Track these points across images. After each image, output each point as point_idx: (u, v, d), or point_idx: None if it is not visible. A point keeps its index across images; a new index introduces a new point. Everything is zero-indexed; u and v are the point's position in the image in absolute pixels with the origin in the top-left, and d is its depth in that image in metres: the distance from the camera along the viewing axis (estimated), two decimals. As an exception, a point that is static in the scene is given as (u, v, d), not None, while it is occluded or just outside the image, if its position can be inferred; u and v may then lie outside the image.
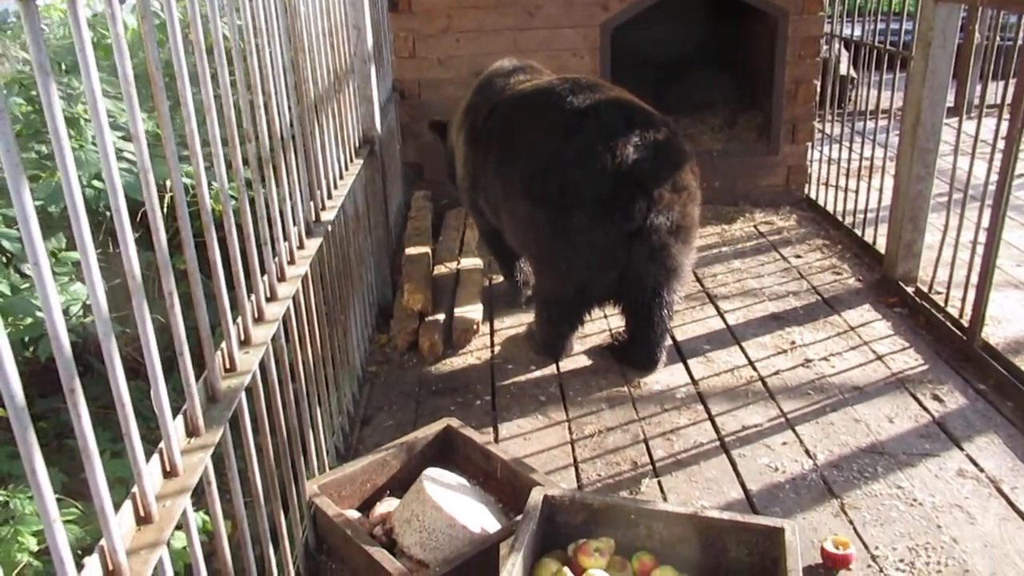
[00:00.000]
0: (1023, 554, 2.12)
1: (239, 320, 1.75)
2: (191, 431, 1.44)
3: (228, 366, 1.65)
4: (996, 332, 3.23)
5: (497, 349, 3.35)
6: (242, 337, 1.75)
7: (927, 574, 2.07)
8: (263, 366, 1.82)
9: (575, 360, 3.23)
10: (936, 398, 2.84)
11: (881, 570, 2.09)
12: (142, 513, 1.24)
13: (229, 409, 1.54)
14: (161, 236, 1.31)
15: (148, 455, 1.29)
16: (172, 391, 1.49)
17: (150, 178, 1.28)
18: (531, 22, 4.53)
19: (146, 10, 1.31)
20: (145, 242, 1.40)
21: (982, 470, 2.46)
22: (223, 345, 1.64)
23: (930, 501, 2.34)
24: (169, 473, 1.34)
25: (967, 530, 2.22)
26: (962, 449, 2.56)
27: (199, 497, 1.56)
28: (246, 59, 1.93)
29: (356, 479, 2.30)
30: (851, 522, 2.27)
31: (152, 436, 1.87)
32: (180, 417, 1.42)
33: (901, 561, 2.12)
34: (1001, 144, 2.81)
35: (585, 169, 2.75)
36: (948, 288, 3.26)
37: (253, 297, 1.84)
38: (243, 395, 1.64)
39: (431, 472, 2.19)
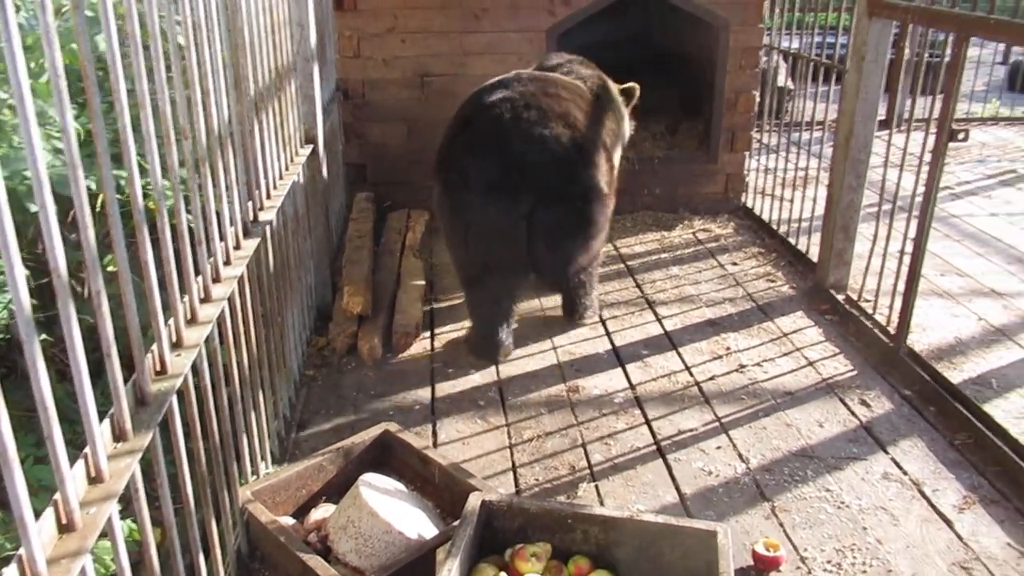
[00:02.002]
0: (942, 554, 2.20)
1: (171, 321, 1.71)
2: (118, 435, 1.40)
3: (159, 368, 1.61)
4: (921, 339, 3.35)
5: (437, 353, 3.34)
6: (174, 339, 1.71)
7: (852, 573, 2.14)
8: (196, 369, 1.78)
9: (515, 365, 3.24)
10: (864, 403, 2.93)
11: (809, 571, 2.15)
12: (64, 521, 1.20)
13: (159, 413, 1.50)
14: (90, 234, 1.27)
15: (74, 460, 1.25)
16: (100, 395, 1.44)
17: (79, 174, 1.24)
18: (478, 25, 4.53)
19: (79, 1, 1.28)
20: (76, 243, 1.36)
21: (906, 473, 2.54)
22: (154, 347, 1.60)
23: (856, 503, 2.41)
24: (95, 479, 1.30)
25: (891, 531, 2.29)
26: (887, 453, 2.65)
27: (127, 504, 1.52)
28: (184, 55, 1.89)
29: (291, 485, 2.27)
30: (781, 525, 2.33)
31: (79, 441, 1.82)
32: (107, 421, 1.38)
33: (828, 562, 2.18)
34: (928, 157, 2.92)
35: (476, 157, 3.08)
36: (876, 296, 3.37)
37: (186, 298, 1.80)
38: (174, 398, 1.60)
39: (368, 477, 2.17)
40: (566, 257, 3.22)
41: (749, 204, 4.95)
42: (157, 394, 1.54)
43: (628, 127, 3.76)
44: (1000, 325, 3.52)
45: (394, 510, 2.07)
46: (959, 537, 2.27)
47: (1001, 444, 2.56)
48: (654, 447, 2.70)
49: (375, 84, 4.62)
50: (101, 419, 1.33)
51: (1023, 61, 8.00)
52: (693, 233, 4.67)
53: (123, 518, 1.60)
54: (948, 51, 2.92)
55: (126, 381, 1.42)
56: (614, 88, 3.63)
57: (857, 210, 3.62)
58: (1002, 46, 8.01)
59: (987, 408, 2.78)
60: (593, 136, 3.23)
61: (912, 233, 3.02)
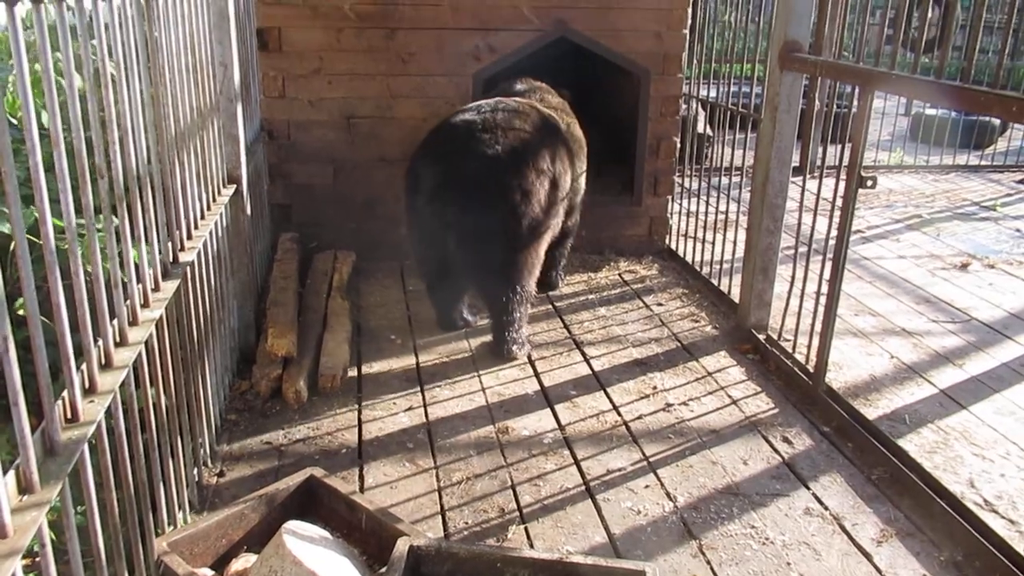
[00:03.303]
0: (863, 587, 2.26)
1: (84, 367, 1.64)
2: (24, 488, 1.33)
3: (70, 416, 1.54)
4: (838, 377, 3.47)
5: (365, 395, 3.29)
6: (87, 385, 1.64)
7: (778, 611, 2.17)
8: (110, 415, 1.71)
9: (443, 406, 3.22)
10: (785, 440, 3.00)
11: (736, 609, 2.17)
12: (-38, 580, 1.12)
13: (69, 463, 1.44)
14: (-3, 277, 1.22)
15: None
16: (6, 443, 1.37)
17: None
18: (404, 68, 4.56)
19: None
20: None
21: (826, 508, 2.60)
22: (64, 394, 1.53)
23: (780, 539, 2.45)
24: (-3, 535, 1.23)
25: (813, 566, 2.34)
26: (809, 488, 2.71)
27: (32, 560, 1.44)
28: (101, 92, 1.84)
29: (210, 535, 2.18)
30: (709, 562, 2.35)
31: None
32: (12, 473, 1.31)
33: (755, 599, 2.21)
34: (840, 203, 3.05)
35: (426, 166, 3.49)
36: (795, 336, 3.48)
37: (101, 342, 1.74)
38: (86, 447, 1.53)
39: (291, 525, 2.10)
40: (485, 269, 3.52)
41: (673, 246, 5.07)
42: (67, 443, 1.47)
43: (584, 161, 4.07)
44: (911, 363, 3.67)
45: (319, 558, 2.01)
46: (878, 570, 2.32)
47: (915, 478, 2.65)
48: (583, 487, 2.70)
49: (301, 125, 4.59)
50: (6, 471, 1.26)
51: (924, 112, 8.47)
52: (619, 274, 4.75)
53: (28, 574, 1.51)
54: (855, 102, 3.08)
55: (34, 430, 1.36)
56: (575, 121, 4.05)
57: (775, 252, 3.74)
58: (904, 99, 8.47)
59: (901, 443, 2.89)
60: (538, 163, 3.50)
61: (827, 275, 3.14)
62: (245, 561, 2.14)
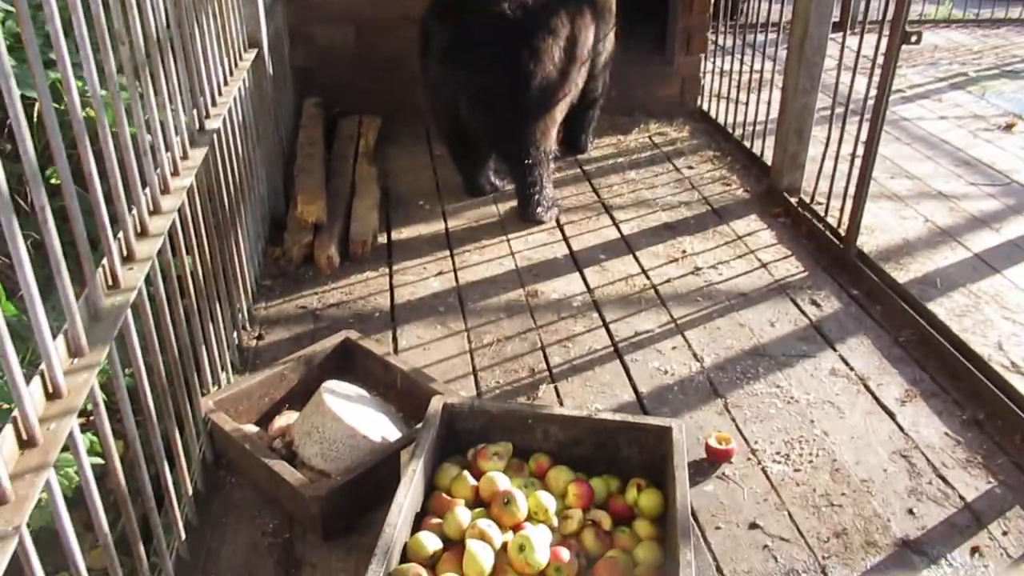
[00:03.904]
0: (884, 443, 2.32)
1: (120, 235, 1.67)
2: (74, 351, 1.38)
3: (111, 283, 1.58)
4: (870, 241, 3.43)
5: (395, 260, 3.33)
6: (125, 252, 1.68)
7: (800, 464, 2.24)
8: (149, 282, 1.75)
9: (473, 271, 3.25)
10: (814, 303, 3.01)
11: (759, 462, 2.25)
12: (25, 436, 1.19)
13: (114, 327, 1.49)
14: (28, 147, 1.22)
15: (29, 378, 1.23)
16: (52, 310, 1.41)
17: (12, 84, 1.18)
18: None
19: None
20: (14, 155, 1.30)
21: (852, 369, 2.64)
22: (104, 262, 1.57)
23: (805, 398, 2.50)
24: (52, 395, 1.29)
25: (837, 424, 2.40)
26: (835, 350, 2.74)
27: (88, 419, 1.52)
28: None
29: (253, 394, 2.28)
30: (733, 420, 2.42)
31: (34, 359, 1.79)
32: (61, 337, 1.36)
33: (777, 453, 2.28)
34: (881, 60, 2.92)
35: (436, 25, 3.40)
36: (828, 199, 3.42)
37: (135, 210, 1.75)
38: (129, 312, 1.58)
39: (330, 384, 2.19)
40: (498, 132, 3.48)
41: (705, 107, 4.93)
42: (111, 308, 1.51)
43: (611, 23, 3.90)
44: (946, 226, 3.62)
45: (357, 415, 2.10)
46: (900, 428, 2.38)
47: (942, 340, 2.66)
48: (611, 349, 2.76)
49: (321, -17, 4.42)
50: (55, 335, 1.31)
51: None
52: (649, 137, 4.65)
53: (85, 431, 1.60)
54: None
55: (77, 297, 1.40)
56: None
57: (811, 113, 3.63)
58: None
59: (931, 306, 2.89)
60: (551, 22, 3.35)
61: (864, 136, 3.04)
62: (287, 418, 2.25)
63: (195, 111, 2.32)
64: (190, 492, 1.99)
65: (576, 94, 3.78)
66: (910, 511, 2.10)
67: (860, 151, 3.08)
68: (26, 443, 1.19)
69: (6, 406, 1.69)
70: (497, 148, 3.63)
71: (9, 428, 1.17)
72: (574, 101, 3.81)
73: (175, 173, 2.04)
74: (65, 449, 1.26)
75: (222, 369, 2.40)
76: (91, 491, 1.39)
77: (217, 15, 2.69)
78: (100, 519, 1.42)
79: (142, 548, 1.60)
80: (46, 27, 1.39)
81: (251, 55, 3.11)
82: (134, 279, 1.62)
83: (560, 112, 3.61)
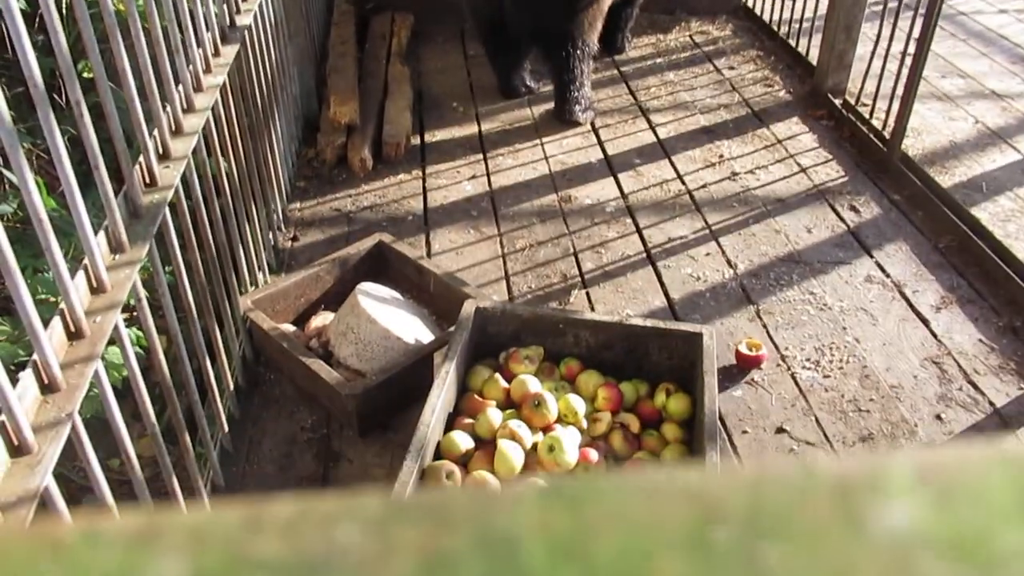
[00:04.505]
0: (916, 350, 2.31)
1: (155, 133, 1.67)
2: (115, 247, 1.41)
3: (148, 181, 1.59)
4: (915, 144, 3.33)
5: (428, 163, 3.31)
6: (160, 151, 1.69)
7: (830, 371, 2.25)
8: (185, 180, 1.77)
9: (506, 175, 3.23)
10: (853, 208, 2.95)
11: (789, 368, 2.26)
12: (72, 329, 1.23)
13: (153, 224, 1.51)
14: (61, 39, 1.22)
15: (73, 272, 1.26)
16: (92, 207, 1.43)
17: (41, -25, 1.16)
18: None
19: None
20: (46, 47, 1.30)
21: (888, 275, 2.61)
22: (141, 159, 1.58)
23: (838, 305, 2.49)
24: (96, 289, 1.33)
25: (869, 330, 2.39)
26: (872, 257, 2.70)
27: (131, 314, 1.56)
28: None
29: (290, 294, 2.32)
30: (765, 326, 2.42)
31: (76, 254, 1.83)
32: (102, 233, 1.39)
33: (807, 360, 2.29)
34: (940, -50, 2.76)
35: None
36: (875, 100, 3.30)
37: (169, 108, 1.75)
38: (167, 210, 1.60)
39: (365, 286, 2.22)
40: (543, 22, 3.40)
41: (749, 3, 4.73)
42: (149, 206, 1.54)
43: None
44: (996, 128, 3.49)
45: (391, 317, 2.13)
46: (933, 334, 2.37)
47: (983, 246, 2.61)
48: (644, 255, 2.75)
49: None
50: (96, 232, 1.34)
51: None
52: (690, 36, 4.50)
53: (130, 327, 1.65)
54: None
55: (116, 194, 1.42)
56: None
57: (861, 8, 3.47)
58: None
59: (974, 211, 2.82)
60: None
61: (916, 33, 2.91)
62: (323, 319, 2.29)
63: (225, 6, 2.28)
64: (231, 387, 2.06)
65: None
66: (938, 416, 2.10)
67: (911, 49, 2.96)
68: (74, 335, 1.23)
69: (53, 299, 1.74)
70: (541, 39, 3.51)
71: (57, 320, 1.21)
72: None
73: (207, 70, 2.03)
74: (111, 343, 1.31)
75: (259, 269, 2.44)
76: (138, 383, 1.44)
77: (245, -95, 2.60)
78: (147, 410, 1.48)
79: (188, 438, 1.67)
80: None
81: (280, -52, 3.03)
82: (171, 177, 1.64)
83: (606, 4, 3.50)
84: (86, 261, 1.30)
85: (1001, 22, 4.61)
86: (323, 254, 2.56)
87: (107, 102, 1.40)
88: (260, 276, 2.44)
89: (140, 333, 1.70)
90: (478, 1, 3.56)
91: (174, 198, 1.66)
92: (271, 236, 2.67)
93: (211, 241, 1.95)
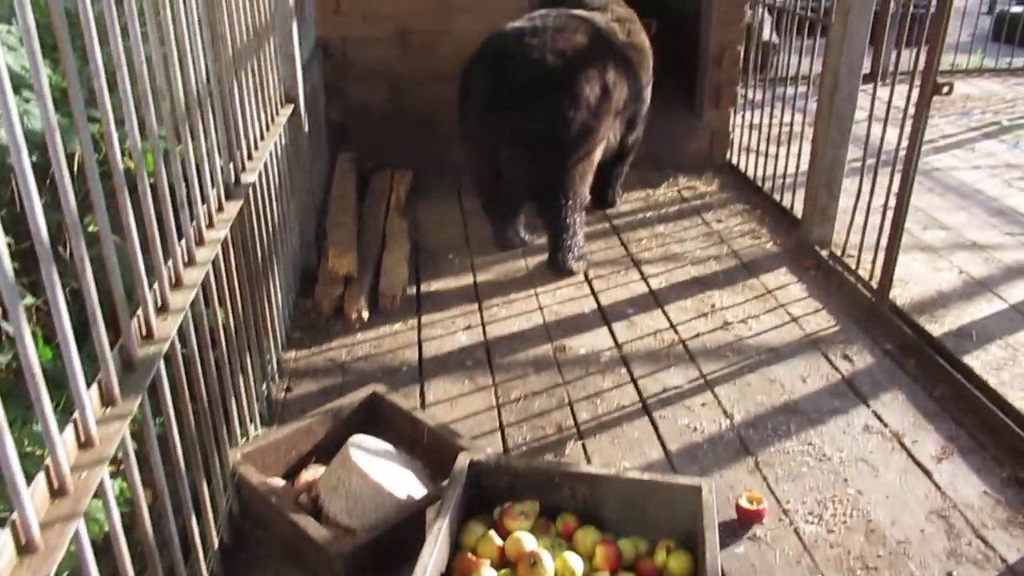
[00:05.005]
0: (921, 503, 2.25)
1: (156, 285, 1.70)
2: (107, 400, 1.40)
3: (145, 333, 1.60)
4: (903, 293, 3.39)
5: (424, 314, 3.35)
6: (159, 303, 1.70)
7: (834, 525, 2.18)
8: (182, 332, 1.78)
9: (501, 325, 3.25)
10: (846, 357, 2.96)
11: (792, 523, 2.20)
12: (56, 485, 1.20)
13: (147, 377, 1.50)
14: (70, 197, 1.26)
15: (64, 425, 1.25)
16: (87, 359, 1.44)
17: (56, 137, 1.22)
18: (459, -20, 4.46)
19: (48, -42, 1.24)
20: (56, 203, 1.34)
21: (886, 425, 2.59)
22: (139, 312, 1.59)
23: (838, 456, 2.45)
24: (84, 444, 1.30)
25: (871, 482, 2.34)
26: (868, 406, 2.69)
27: (118, 467, 1.53)
28: (159, 12, 1.85)
29: (281, 447, 2.28)
30: (765, 478, 2.37)
31: (69, 405, 1.81)
32: (95, 386, 1.38)
33: (810, 514, 2.23)
34: (912, 111, 2.91)
35: (476, 73, 3.52)
36: (860, 251, 3.39)
37: (170, 262, 1.79)
38: (161, 362, 1.60)
39: (357, 439, 2.19)
40: (535, 176, 3.52)
41: (734, 161, 4.95)
42: (144, 359, 1.54)
43: (647, 77, 4.01)
44: (981, 277, 3.56)
45: (383, 471, 2.09)
46: (937, 486, 2.32)
47: (979, 394, 2.60)
48: (640, 405, 2.73)
49: (356, 42, 4.55)
50: (89, 384, 1.33)
51: (1008, 11, 7.96)
52: (678, 191, 4.67)
53: (113, 478, 1.60)
54: (933, 2, 2.90)
55: (112, 346, 1.42)
56: (640, 33, 3.98)
57: (841, 165, 3.62)
58: (987, -2, 7.96)
59: (966, 360, 2.83)
60: (588, 69, 3.44)
61: (896, 187, 3.03)
62: (314, 472, 2.24)
63: (231, 164, 2.37)
64: (216, 545, 1.98)
65: (615, 143, 3.86)
66: (949, 574, 2.02)
67: (892, 202, 3.06)
68: (57, 492, 1.20)
69: (40, 452, 1.71)
70: (534, 193, 3.64)
71: (41, 477, 1.18)
72: (612, 149, 3.89)
73: (210, 225, 2.09)
74: (95, 497, 1.27)
75: (251, 421, 2.41)
76: (119, 541, 1.39)
77: (256, 72, 2.77)
78: (127, 570, 1.42)
79: (167, 601, 1.59)
80: (92, 83, 1.44)
81: (287, 110, 3.19)
82: (168, 329, 1.65)
83: (597, 157, 3.67)
84: (76, 415, 1.29)
85: (975, 177, 4.81)
86: (316, 405, 2.53)
87: (110, 256, 1.43)
88: (252, 428, 2.41)
89: (125, 485, 1.66)
90: (474, 156, 3.70)
91: (169, 350, 1.66)
92: (265, 387, 2.65)
93: (204, 392, 1.94)
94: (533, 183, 3.58)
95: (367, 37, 4.53)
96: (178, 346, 1.75)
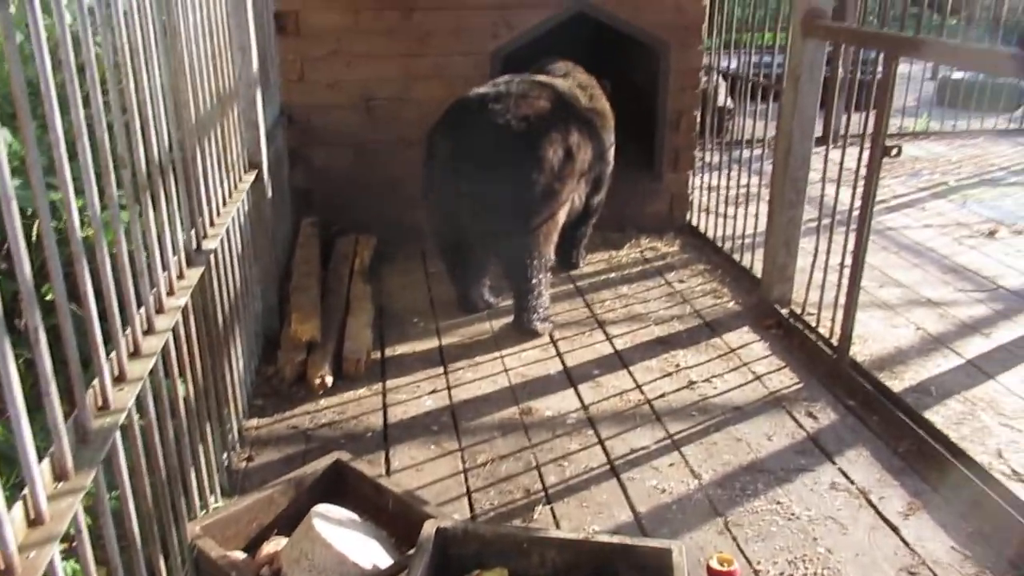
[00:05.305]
0: (890, 560, 2.25)
1: (113, 355, 1.67)
2: (59, 474, 1.35)
3: (101, 404, 1.56)
4: (863, 350, 3.44)
5: (389, 378, 3.31)
6: (116, 373, 1.67)
7: (805, 585, 2.17)
8: (140, 402, 1.74)
9: (466, 388, 3.23)
10: (810, 415, 2.99)
11: (763, 584, 2.18)
12: (3, 566, 1.15)
13: (102, 450, 1.46)
14: (25, 267, 1.24)
15: (12, 502, 1.20)
16: (39, 431, 1.39)
17: (13, 207, 1.20)
18: (422, 48, 4.55)
19: (9, 26, 1.25)
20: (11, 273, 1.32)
21: (852, 482, 2.59)
22: (95, 382, 1.56)
23: (806, 514, 2.45)
24: (35, 521, 1.25)
25: (840, 540, 2.33)
26: (834, 463, 2.70)
27: (70, 544, 1.47)
28: (121, 81, 1.85)
29: (241, 519, 2.21)
30: (735, 539, 2.35)
31: (19, 480, 1.75)
32: (47, 460, 1.33)
33: (781, 574, 2.21)
34: (864, 172, 3.00)
35: (440, 136, 3.57)
36: (819, 309, 3.45)
37: (129, 330, 1.76)
38: (118, 434, 1.55)
39: (320, 508, 2.13)
40: (501, 238, 3.55)
41: (694, 222, 5.04)
42: (100, 431, 1.49)
43: (610, 140, 4.11)
44: (937, 333, 3.64)
45: (348, 541, 2.03)
46: (905, 543, 2.32)
47: (942, 449, 2.63)
48: (608, 467, 2.71)
49: (320, 108, 4.59)
50: (41, 458, 1.29)
51: (950, 77, 8.32)
52: (640, 252, 4.73)
53: (67, 559, 1.54)
54: (879, 69, 3.02)
55: (67, 418, 1.38)
56: (601, 98, 4.09)
57: (798, 225, 3.71)
58: (931, 62, 8.31)
59: (927, 415, 2.87)
60: (551, 133, 3.51)
61: (851, 246, 3.10)
62: (276, 544, 2.18)
63: (193, 231, 2.36)
64: (172, 623, 1.91)
65: (580, 205, 3.93)
66: (923, 634, 2.01)
67: (848, 261, 3.13)
68: (2, 573, 1.15)
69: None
70: (498, 255, 3.67)
71: (-14, 558, 1.13)
72: (578, 211, 3.95)
73: (171, 292, 2.06)
74: (43, 578, 1.22)
75: (210, 492, 2.34)
76: (68, 625, 1.33)
77: (219, 139, 2.78)
78: (76, 655, 1.36)
79: None
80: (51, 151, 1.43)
81: (251, 176, 3.20)
82: (124, 400, 1.61)
83: (561, 218, 3.71)
84: (26, 491, 1.24)
85: (927, 236, 4.95)
86: (278, 474, 2.47)
87: (66, 327, 1.40)
88: (211, 499, 2.34)
89: (78, 566, 1.60)
90: (439, 219, 3.72)
91: (126, 420, 1.62)
92: (225, 457, 2.59)
93: (162, 464, 1.88)
94: (498, 245, 3.60)
95: (331, 104, 4.58)
96: (135, 417, 1.71)
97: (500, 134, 3.43)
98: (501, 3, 4.51)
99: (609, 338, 3.65)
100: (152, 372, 1.79)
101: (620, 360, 3.45)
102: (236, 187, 3.00)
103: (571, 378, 3.30)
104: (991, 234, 4.94)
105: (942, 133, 7.59)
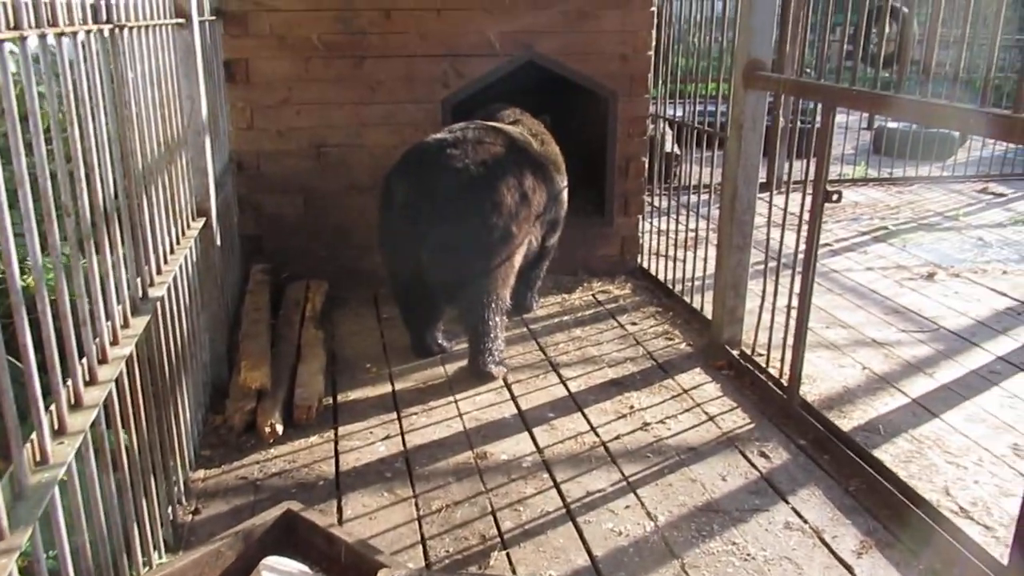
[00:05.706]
0: (845, 600, 2.26)
1: (52, 407, 1.61)
2: (-7, 534, 1.30)
3: (39, 458, 1.51)
4: (812, 390, 3.50)
5: (341, 425, 3.26)
6: (56, 426, 1.61)
7: (762, 627, 2.17)
8: (80, 456, 1.68)
9: (420, 433, 3.20)
10: (763, 454, 3.01)
11: (721, 627, 2.17)
12: (-71, 633, 1.09)
13: (39, 507, 1.41)
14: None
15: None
16: (-28, 489, 1.34)
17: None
18: (373, 96, 4.58)
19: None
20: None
21: (806, 521, 2.62)
22: (33, 436, 1.50)
23: (762, 555, 2.45)
24: (-36, 585, 1.20)
25: (796, 581, 2.34)
26: (787, 502, 2.72)
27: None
28: (65, 130, 1.83)
29: (187, 574, 2.14)
30: (691, 581, 2.34)
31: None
32: (-20, 519, 1.28)
33: (738, 616, 2.20)
34: (807, 217, 3.09)
35: (397, 180, 3.61)
36: (768, 350, 3.51)
37: (70, 382, 1.71)
38: (56, 490, 1.50)
39: (269, 561, 2.08)
40: (457, 280, 3.56)
41: (645, 265, 5.11)
42: (37, 486, 1.44)
43: (563, 184, 4.19)
44: (883, 373, 3.72)
45: (298, 594, 1.98)
46: (859, 581, 2.34)
47: (891, 488, 2.67)
48: (564, 510, 2.69)
49: (270, 155, 4.58)
50: (-27, 517, 1.24)
51: (885, 126, 8.65)
52: (592, 295, 4.77)
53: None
54: (818, 119, 3.13)
55: (1, 475, 1.33)
56: (552, 143, 4.20)
57: (745, 268, 3.78)
58: (866, 113, 8.63)
59: (876, 453, 2.91)
60: (506, 176, 3.58)
61: (797, 289, 3.17)
62: (223, 600, 2.10)
63: (139, 279, 2.31)
64: None
65: (536, 247, 3.98)
66: (878, 672, 2.02)
67: (795, 303, 3.20)
68: (-70, 641, 1.09)
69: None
70: (455, 297, 3.66)
71: (-88, 624, 1.07)
72: (534, 252, 3.99)
73: (114, 342, 2.01)
74: (-27, 646, 1.16)
75: (154, 548, 2.26)
76: None
77: (167, 186, 2.74)
78: None
79: None
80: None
81: (199, 224, 3.16)
82: (64, 454, 1.56)
83: (518, 261, 3.74)
84: (-43, 552, 1.19)
85: (870, 278, 5.08)
86: (226, 527, 2.40)
87: (3, 380, 1.35)
88: (155, 556, 2.26)
89: (10, 631, 1.52)
90: (395, 263, 3.72)
91: (65, 475, 1.56)
92: (170, 511, 2.51)
93: (103, 520, 1.82)
94: (454, 288, 3.60)
95: (281, 151, 4.57)
96: (75, 471, 1.65)
97: (458, 178, 3.47)
98: (451, 52, 4.57)
99: (563, 381, 3.66)
100: (94, 424, 1.74)
101: (574, 402, 3.45)
102: (184, 234, 2.96)
103: (526, 421, 3.29)
104: (930, 276, 5.10)
105: (880, 180, 7.86)
